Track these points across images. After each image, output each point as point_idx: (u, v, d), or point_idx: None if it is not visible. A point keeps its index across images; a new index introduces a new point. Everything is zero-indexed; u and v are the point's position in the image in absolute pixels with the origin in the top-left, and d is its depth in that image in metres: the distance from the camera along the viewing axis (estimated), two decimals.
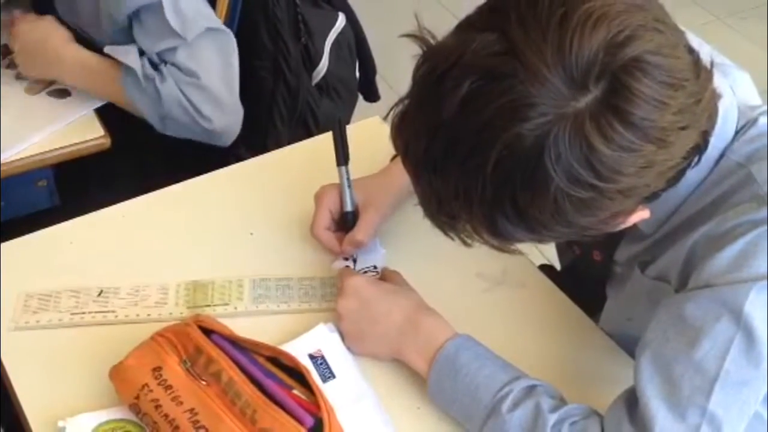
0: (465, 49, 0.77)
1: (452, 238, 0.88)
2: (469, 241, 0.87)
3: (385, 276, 1.21)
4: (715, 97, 0.86)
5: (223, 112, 1.53)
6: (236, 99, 1.57)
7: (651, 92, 0.75)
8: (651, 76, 0.76)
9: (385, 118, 0.86)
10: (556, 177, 0.76)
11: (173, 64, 1.49)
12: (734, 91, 0.97)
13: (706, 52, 0.86)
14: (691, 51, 0.82)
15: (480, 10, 0.82)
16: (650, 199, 0.85)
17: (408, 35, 0.84)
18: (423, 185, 0.84)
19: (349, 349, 1.13)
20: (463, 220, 0.84)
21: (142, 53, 1.52)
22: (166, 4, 1.45)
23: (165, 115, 1.51)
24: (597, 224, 0.82)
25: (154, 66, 1.50)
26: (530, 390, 1.00)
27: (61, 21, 1.71)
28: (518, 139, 0.75)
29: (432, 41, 0.83)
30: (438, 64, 0.79)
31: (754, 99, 1.03)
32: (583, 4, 0.76)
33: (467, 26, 0.81)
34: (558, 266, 1.44)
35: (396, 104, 0.85)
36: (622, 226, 0.86)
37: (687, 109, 0.79)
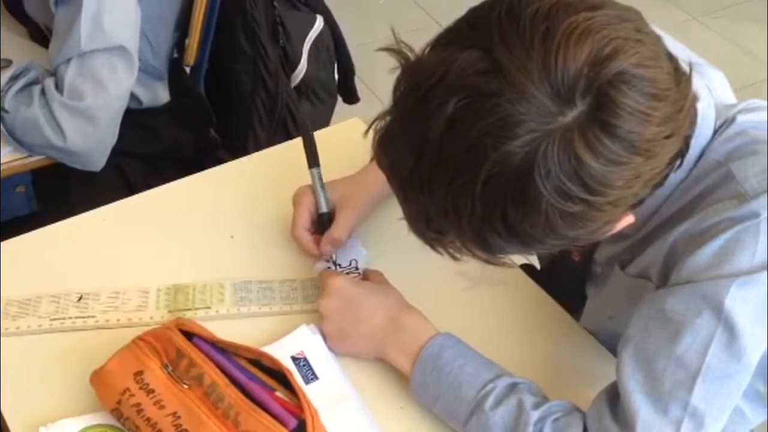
0: (448, 67, 0.77)
1: (440, 254, 0.88)
2: (457, 255, 0.87)
3: (366, 276, 1.21)
4: (695, 100, 0.86)
5: (91, 136, 1.51)
6: (113, 124, 1.55)
7: (636, 105, 0.76)
8: (636, 89, 0.76)
9: (365, 134, 0.85)
10: (546, 193, 0.75)
11: (60, 82, 1.48)
12: (710, 90, 0.97)
13: (683, 54, 0.87)
14: (671, 58, 0.83)
15: (458, 27, 0.81)
16: (636, 206, 0.85)
17: (385, 49, 0.83)
18: (410, 203, 0.84)
19: (331, 349, 1.13)
20: (452, 236, 0.84)
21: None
22: (86, 5, 1.44)
23: (18, 138, 1.51)
24: (587, 235, 0.82)
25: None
26: (513, 387, 1.01)
27: (29, 18, 1.71)
28: (507, 157, 0.75)
29: (410, 54, 0.82)
30: (420, 83, 0.79)
31: (729, 97, 1.04)
32: (565, 19, 0.76)
33: (447, 43, 0.80)
34: (538, 266, 1.44)
35: (376, 119, 0.84)
36: (609, 234, 0.87)
37: (671, 118, 0.79)
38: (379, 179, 1.20)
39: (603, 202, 0.78)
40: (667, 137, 0.79)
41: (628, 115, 0.75)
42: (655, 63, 0.78)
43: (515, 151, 0.75)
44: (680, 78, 0.82)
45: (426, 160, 0.79)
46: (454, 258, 0.87)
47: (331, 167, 1.24)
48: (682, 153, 0.87)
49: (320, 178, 1.23)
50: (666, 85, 0.79)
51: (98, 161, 1.56)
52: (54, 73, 1.51)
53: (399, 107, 0.82)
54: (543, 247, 0.83)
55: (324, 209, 1.23)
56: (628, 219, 0.87)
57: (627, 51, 0.76)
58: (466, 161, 0.77)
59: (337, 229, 1.22)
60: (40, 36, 1.72)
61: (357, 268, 1.24)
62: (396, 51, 0.83)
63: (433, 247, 0.88)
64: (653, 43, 0.80)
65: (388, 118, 0.83)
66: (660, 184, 0.87)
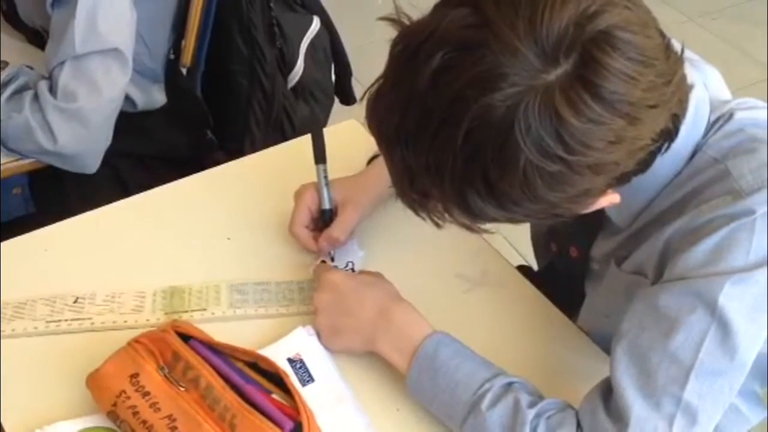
0: (438, 23, 0.78)
1: (423, 218, 0.88)
2: (440, 222, 0.87)
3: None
4: (686, 83, 0.86)
5: (83, 138, 1.51)
6: (106, 127, 1.54)
7: (620, 66, 0.76)
8: (620, 51, 0.76)
9: (361, 99, 0.86)
10: (526, 149, 0.76)
11: (54, 85, 1.48)
12: (706, 85, 0.97)
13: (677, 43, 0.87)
14: (663, 35, 0.83)
15: None
16: (620, 181, 0.85)
17: (385, 18, 0.84)
18: (395, 162, 0.84)
19: (325, 347, 1.12)
20: (435, 197, 0.84)
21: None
22: (80, 8, 1.44)
23: (12, 146, 1.51)
24: (566, 202, 0.82)
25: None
26: (508, 386, 1.00)
27: (23, 23, 1.71)
28: (489, 110, 0.75)
29: (408, 23, 0.83)
30: (412, 40, 0.80)
31: (725, 93, 1.03)
32: None
33: (442, 5, 0.82)
34: (536, 267, 1.44)
35: (372, 85, 0.85)
36: (592, 208, 0.87)
37: (656, 88, 0.79)
38: (381, 180, 1.20)
39: (582, 163, 0.78)
40: (651, 106, 0.79)
41: (612, 75, 0.76)
42: (641, 30, 0.79)
43: (497, 104, 0.75)
44: (670, 54, 0.82)
45: (411, 114, 0.79)
46: (437, 225, 0.87)
47: (328, 168, 1.23)
48: (670, 134, 0.87)
49: (325, 175, 1.23)
50: (652, 54, 0.79)
51: (91, 164, 1.55)
52: (48, 77, 1.50)
53: (390, 67, 0.83)
54: (522, 211, 0.82)
55: (327, 205, 1.23)
56: (613, 197, 0.87)
57: (611, 12, 0.77)
58: (449, 114, 0.77)
59: (337, 229, 1.22)
60: (39, 40, 1.71)
61: (353, 270, 1.23)
62: (395, 20, 0.83)
63: (415, 210, 0.88)
64: (643, 13, 0.81)
65: (380, 80, 0.84)
66: (646, 162, 0.86)
